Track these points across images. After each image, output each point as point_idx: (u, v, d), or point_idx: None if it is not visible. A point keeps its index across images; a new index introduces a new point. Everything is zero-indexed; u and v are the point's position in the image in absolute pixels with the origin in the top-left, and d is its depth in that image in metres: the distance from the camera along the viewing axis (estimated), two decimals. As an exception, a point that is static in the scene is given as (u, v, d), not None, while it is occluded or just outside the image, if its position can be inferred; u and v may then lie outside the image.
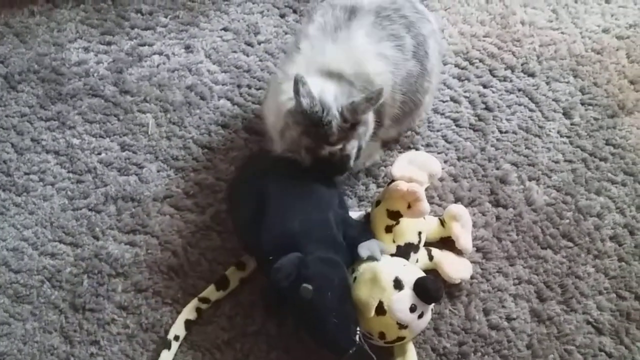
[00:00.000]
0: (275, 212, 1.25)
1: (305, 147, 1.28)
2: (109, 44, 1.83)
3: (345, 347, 1.16)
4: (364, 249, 1.25)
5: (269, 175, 1.32)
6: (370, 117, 1.34)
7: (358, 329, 1.19)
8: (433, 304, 1.26)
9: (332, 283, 1.17)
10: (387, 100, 1.38)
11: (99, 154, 1.63)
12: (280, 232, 1.23)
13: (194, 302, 1.36)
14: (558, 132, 1.64)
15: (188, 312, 1.35)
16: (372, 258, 1.24)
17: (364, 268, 1.26)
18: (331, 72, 1.31)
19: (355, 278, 1.25)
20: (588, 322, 1.37)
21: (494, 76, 1.74)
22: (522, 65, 1.76)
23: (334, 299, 1.16)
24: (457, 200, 1.53)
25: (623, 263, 1.44)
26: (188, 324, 1.35)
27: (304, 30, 1.42)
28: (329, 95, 1.26)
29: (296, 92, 1.20)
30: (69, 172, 1.60)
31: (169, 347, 1.31)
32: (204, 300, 1.37)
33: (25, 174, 1.60)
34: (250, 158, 1.55)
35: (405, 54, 1.39)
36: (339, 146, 1.28)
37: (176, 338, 1.33)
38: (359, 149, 1.33)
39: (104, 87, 1.74)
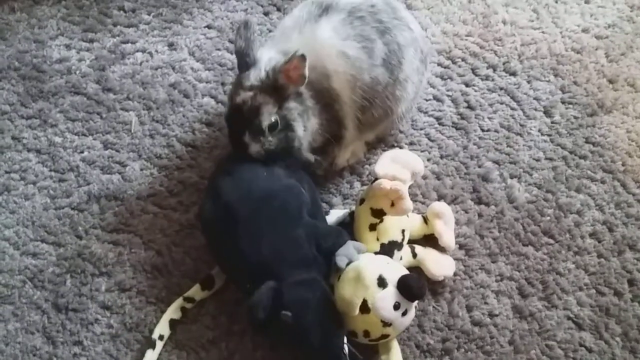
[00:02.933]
0: (244, 239, 1.24)
1: (229, 93, 1.35)
2: (91, 41, 1.81)
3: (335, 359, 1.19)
4: (341, 258, 1.25)
5: (233, 193, 1.28)
6: (309, 102, 1.35)
7: (345, 339, 1.21)
8: (417, 302, 1.27)
9: (310, 304, 1.19)
10: (345, 100, 1.39)
11: (82, 152, 1.61)
12: (253, 261, 1.23)
13: (179, 302, 1.36)
14: (539, 130, 1.66)
15: (173, 311, 1.35)
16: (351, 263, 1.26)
17: (348, 267, 1.26)
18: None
19: (339, 277, 1.26)
20: (569, 318, 1.40)
21: (476, 75, 1.76)
22: (503, 64, 1.78)
23: (314, 318, 1.18)
24: (440, 198, 1.54)
25: (602, 259, 1.47)
26: (173, 323, 1.35)
27: (281, 22, 1.47)
28: (267, 55, 1.33)
29: (236, 32, 1.31)
30: (50, 170, 1.58)
31: (153, 346, 1.31)
32: (188, 299, 1.36)
33: (6, 172, 1.58)
34: (214, 173, 1.44)
35: (373, 59, 1.38)
36: (250, 94, 1.29)
37: (161, 337, 1.33)
38: (287, 123, 1.32)
39: (86, 85, 1.72)
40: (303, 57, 1.24)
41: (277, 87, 1.29)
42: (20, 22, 1.85)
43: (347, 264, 1.25)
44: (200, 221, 1.41)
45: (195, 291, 1.37)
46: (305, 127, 1.36)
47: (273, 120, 1.30)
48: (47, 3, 1.88)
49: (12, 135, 1.64)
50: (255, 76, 1.31)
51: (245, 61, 1.32)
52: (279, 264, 1.22)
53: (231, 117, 1.34)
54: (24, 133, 1.64)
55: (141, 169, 1.58)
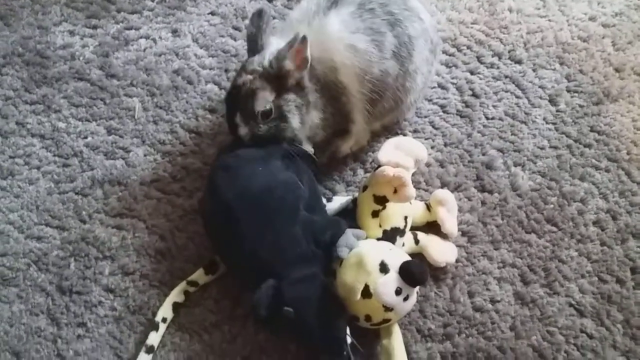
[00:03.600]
0: (242, 239, 1.24)
1: (234, 76, 1.37)
2: (94, 27, 1.81)
3: (338, 351, 1.19)
4: (342, 249, 1.25)
5: (230, 191, 1.27)
6: (311, 96, 1.35)
7: (348, 331, 1.22)
8: (418, 287, 1.28)
9: (311, 300, 1.20)
10: (353, 93, 1.38)
11: (85, 137, 1.62)
12: (252, 260, 1.24)
13: (182, 285, 1.37)
14: (544, 118, 1.66)
15: (176, 294, 1.36)
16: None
17: (350, 253, 1.27)
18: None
19: (341, 262, 1.26)
20: (570, 305, 1.40)
21: (481, 63, 1.75)
22: (509, 52, 1.77)
23: (316, 313, 1.19)
24: (444, 185, 1.54)
25: (605, 247, 1.47)
26: (176, 306, 1.36)
27: (289, 13, 1.47)
28: (275, 46, 1.33)
29: (250, 19, 1.34)
30: (54, 155, 1.59)
31: (156, 329, 1.32)
32: (192, 283, 1.37)
33: (10, 157, 1.59)
34: (212, 168, 1.42)
35: (383, 52, 1.36)
36: (250, 77, 1.30)
37: (164, 320, 1.34)
38: (282, 114, 1.32)
39: (89, 71, 1.72)
40: (304, 39, 1.25)
41: (279, 76, 1.30)
42: (24, 8, 1.85)
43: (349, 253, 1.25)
44: (201, 214, 1.42)
45: (199, 275, 1.37)
46: (302, 121, 1.35)
47: (267, 107, 1.30)
48: (51, -11, 1.89)
49: (17, 121, 1.64)
50: (258, 61, 1.32)
51: (254, 47, 1.35)
52: (278, 262, 1.22)
53: (229, 97, 1.35)
54: (28, 118, 1.65)
55: (145, 155, 1.59)
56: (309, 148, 1.43)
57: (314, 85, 1.35)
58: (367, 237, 1.33)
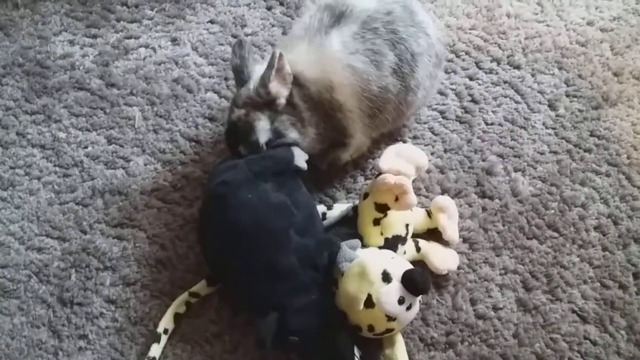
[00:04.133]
0: (239, 277, 1.25)
1: (228, 112, 1.39)
2: (94, 36, 1.81)
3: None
4: (344, 265, 1.25)
5: (220, 227, 1.27)
6: (304, 114, 1.35)
7: (357, 351, 1.23)
8: (420, 296, 1.27)
9: (315, 328, 1.21)
10: (349, 109, 1.38)
11: (86, 147, 1.62)
12: (251, 295, 1.25)
13: (184, 296, 1.36)
14: (543, 123, 1.66)
15: (177, 305, 1.36)
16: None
17: (352, 263, 1.26)
18: (296, 78, 1.34)
19: (343, 272, 1.26)
20: (573, 311, 1.40)
21: (480, 68, 1.75)
22: (507, 57, 1.77)
23: (321, 338, 1.21)
24: (444, 191, 1.54)
25: (607, 252, 1.47)
26: (177, 317, 1.35)
27: (292, 28, 1.49)
28: (257, 73, 1.34)
29: (232, 50, 1.36)
30: (55, 166, 1.59)
31: (158, 340, 1.32)
32: (194, 294, 1.37)
33: (11, 168, 1.59)
34: (204, 196, 1.44)
35: (382, 70, 1.36)
36: (243, 111, 1.32)
37: (165, 331, 1.33)
38: (279, 133, 1.33)
39: (89, 80, 1.72)
40: (281, 56, 1.27)
41: (268, 101, 1.32)
42: (24, 18, 1.85)
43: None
44: (198, 240, 1.43)
45: (201, 287, 1.37)
46: (300, 132, 1.36)
47: (268, 137, 1.33)
48: (50, -1, 1.89)
49: (17, 131, 1.64)
50: (245, 93, 1.34)
51: (240, 78, 1.37)
52: (278, 295, 1.23)
53: (228, 134, 1.38)
54: (28, 129, 1.65)
55: (145, 164, 1.59)
56: (302, 164, 1.38)
57: (305, 103, 1.36)
58: (368, 246, 1.33)
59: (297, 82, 1.34)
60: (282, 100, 1.33)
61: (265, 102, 1.32)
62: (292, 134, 1.35)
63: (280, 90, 1.32)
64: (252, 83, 1.34)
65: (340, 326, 1.23)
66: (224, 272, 1.31)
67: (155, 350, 1.31)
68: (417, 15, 1.41)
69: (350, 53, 1.34)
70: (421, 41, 1.40)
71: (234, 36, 1.81)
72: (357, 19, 1.35)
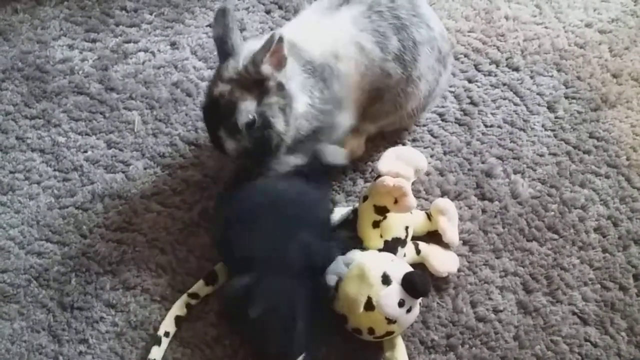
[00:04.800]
0: (238, 237, 1.28)
1: (209, 83, 1.31)
2: (93, 41, 1.82)
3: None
4: (331, 277, 1.25)
5: (250, 200, 1.32)
6: (297, 95, 1.30)
7: (304, 355, 1.22)
8: (421, 298, 1.27)
9: (278, 311, 1.21)
10: (350, 83, 1.37)
11: (85, 151, 1.62)
12: (241, 254, 1.27)
13: (184, 298, 1.36)
14: (542, 125, 1.66)
15: (177, 308, 1.35)
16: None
17: (351, 265, 1.26)
18: (294, 46, 1.31)
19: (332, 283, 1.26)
20: (573, 313, 1.39)
21: (478, 71, 1.75)
22: (506, 59, 1.78)
23: (277, 326, 1.21)
24: (444, 194, 1.54)
25: (607, 254, 1.46)
26: (178, 320, 1.35)
27: (302, 11, 1.49)
28: (250, 48, 1.27)
29: (214, 20, 1.28)
30: (54, 170, 1.59)
31: (159, 343, 1.31)
32: (193, 295, 1.37)
33: (11, 172, 1.58)
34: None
35: (385, 54, 1.37)
36: (228, 87, 1.24)
37: (166, 334, 1.33)
38: (266, 120, 1.26)
39: (89, 85, 1.73)
40: (281, 39, 1.20)
41: (257, 81, 1.24)
42: (23, 23, 1.86)
43: (337, 282, 1.25)
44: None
45: (199, 287, 1.37)
46: (287, 121, 1.29)
47: (250, 118, 1.24)
48: (49, 4, 1.89)
49: (16, 136, 1.65)
50: (233, 67, 1.25)
51: (224, 49, 1.28)
52: (264, 262, 1.24)
53: (207, 109, 1.30)
54: (27, 133, 1.65)
55: (144, 168, 1.59)
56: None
57: (302, 66, 1.32)
58: (368, 248, 1.33)
59: (299, 52, 1.32)
60: (272, 83, 1.25)
61: (253, 81, 1.24)
62: (279, 123, 1.27)
63: (272, 73, 1.24)
64: (242, 58, 1.25)
65: (298, 340, 1.22)
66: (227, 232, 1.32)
67: (156, 352, 1.31)
68: (420, 7, 1.43)
69: (360, 30, 1.36)
70: (422, 31, 1.41)
71: (233, 40, 1.81)
72: (364, 2, 1.38)
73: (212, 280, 1.38)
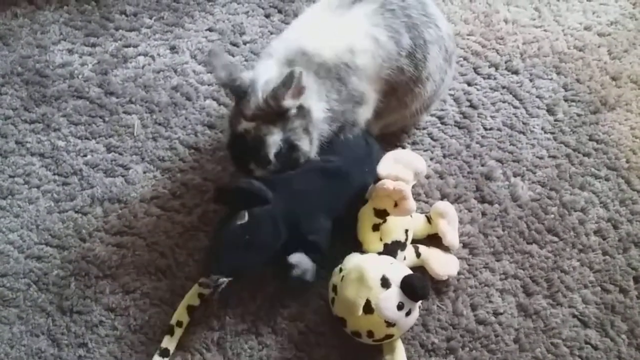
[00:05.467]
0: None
1: (229, 119, 1.33)
2: (93, 45, 1.82)
3: (209, 273, 1.27)
4: (297, 270, 1.28)
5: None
6: (314, 105, 1.31)
7: (227, 280, 1.27)
8: (420, 301, 1.27)
9: (259, 233, 1.26)
10: (369, 74, 1.37)
11: (85, 155, 1.62)
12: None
13: (195, 288, 1.37)
14: (542, 128, 1.66)
15: (190, 297, 1.36)
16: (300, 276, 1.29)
17: (351, 268, 1.26)
18: (304, 54, 1.32)
19: (342, 277, 1.26)
20: (574, 316, 1.39)
21: (478, 74, 1.76)
22: (505, 62, 1.78)
23: (246, 243, 1.25)
24: (443, 197, 1.54)
25: (607, 256, 1.46)
26: (191, 309, 1.35)
27: (311, 6, 1.47)
28: (263, 77, 1.29)
29: (210, 66, 1.30)
30: (54, 174, 1.59)
31: (171, 333, 1.32)
32: (205, 284, 1.35)
33: (10, 176, 1.58)
34: None
35: (400, 49, 1.38)
36: (253, 124, 1.27)
37: (179, 324, 1.33)
38: (291, 144, 1.29)
39: (88, 89, 1.73)
40: (301, 74, 1.22)
41: (278, 112, 1.26)
42: (23, 27, 1.86)
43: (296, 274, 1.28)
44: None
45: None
46: (312, 140, 1.33)
47: (278, 149, 1.28)
48: (49, 8, 1.90)
49: (16, 140, 1.65)
50: (254, 103, 1.27)
51: (236, 89, 1.30)
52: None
53: (234, 145, 1.32)
54: (27, 137, 1.65)
55: (144, 172, 1.59)
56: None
57: (316, 73, 1.32)
58: (368, 252, 1.33)
59: (310, 59, 1.32)
60: (293, 110, 1.28)
61: (276, 113, 1.26)
62: (305, 144, 1.31)
63: (293, 102, 1.26)
64: (261, 93, 1.26)
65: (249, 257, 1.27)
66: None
67: (167, 342, 1.31)
68: (429, 7, 1.45)
69: (374, 25, 1.36)
70: (431, 31, 1.42)
71: (233, 44, 1.81)
72: (377, 0, 1.39)
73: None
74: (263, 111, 1.26)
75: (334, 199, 1.35)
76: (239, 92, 1.30)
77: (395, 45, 1.38)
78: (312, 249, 1.31)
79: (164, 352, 1.31)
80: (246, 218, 1.25)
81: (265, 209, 1.27)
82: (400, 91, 1.44)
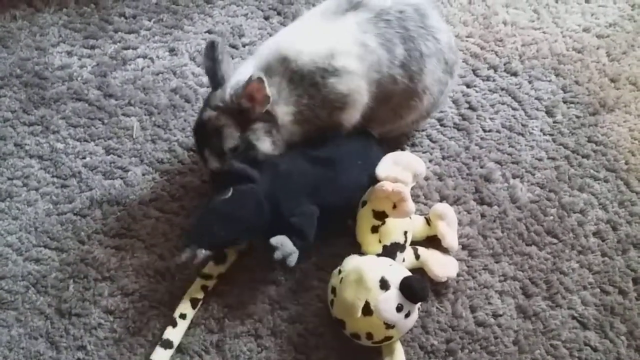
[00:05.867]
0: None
1: (200, 109, 1.38)
2: (92, 47, 1.82)
3: (188, 243, 1.27)
4: (277, 254, 1.26)
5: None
6: (282, 110, 1.33)
7: (205, 251, 1.26)
8: (419, 303, 1.27)
9: (241, 207, 1.28)
10: (355, 72, 1.35)
11: (84, 158, 1.62)
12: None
13: (198, 281, 1.37)
14: (541, 130, 1.66)
15: (193, 290, 1.36)
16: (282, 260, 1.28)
17: (349, 269, 1.26)
18: (285, 59, 1.33)
19: (341, 279, 1.26)
20: (573, 317, 1.39)
21: (477, 76, 1.76)
22: (504, 64, 1.78)
23: (226, 216, 1.27)
24: (443, 199, 1.54)
25: (606, 258, 1.46)
26: (195, 302, 1.36)
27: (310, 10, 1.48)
28: (237, 77, 1.33)
29: (204, 53, 1.35)
30: (53, 176, 1.59)
31: (174, 324, 1.32)
32: (206, 276, 1.37)
33: (9, 179, 1.58)
34: None
35: (392, 57, 1.37)
36: (215, 114, 1.31)
37: (182, 316, 1.34)
38: (250, 144, 1.32)
39: (87, 91, 1.73)
40: (260, 80, 1.24)
41: (241, 110, 1.30)
42: (22, 29, 1.86)
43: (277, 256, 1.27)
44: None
45: (210, 267, 1.38)
46: (274, 141, 1.35)
47: (234, 144, 1.31)
48: (48, 11, 1.90)
49: (15, 142, 1.64)
50: (220, 96, 1.33)
51: (214, 80, 1.35)
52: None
53: (196, 131, 1.37)
54: (26, 140, 1.65)
55: (143, 174, 1.59)
56: None
57: (289, 80, 1.33)
58: (366, 253, 1.33)
59: (288, 65, 1.32)
60: (257, 112, 1.30)
61: (238, 111, 1.30)
62: (264, 145, 1.33)
63: (255, 108, 1.30)
64: (229, 88, 1.32)
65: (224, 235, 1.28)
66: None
67: (170, 333, 1.31)
68: (429, 19, 1.42)
69: (363, 32, 1.35)
70: (429, 44, 1.40)
71: (232, 46, 1.81)
72: (372, 10, 1.38)
73: (221, 260, 1.39)
74: (226, 105, 1.31)
75: (320, 184, 1.35)
76: (214, 83, 1.36)
77: (386, 53, 1.36)
78: (296, 232, 1.29)
79: (167, 343, 1.31)
80: (230, 194, 1.28)
81: (250, 186, 1.31)
82: (395, 101, 1.43)
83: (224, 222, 1.28)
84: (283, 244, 1.27)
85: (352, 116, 1.41)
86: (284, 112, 1.34)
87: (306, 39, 1.36)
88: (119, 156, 1.61)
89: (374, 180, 1.35)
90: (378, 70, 1.37)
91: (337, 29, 1.36)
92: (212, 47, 1.35)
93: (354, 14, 1.38)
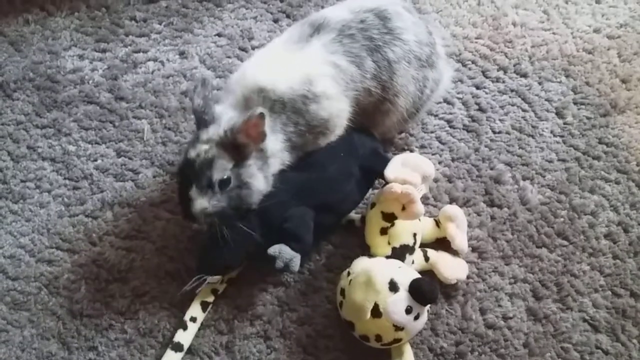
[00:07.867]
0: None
1: (184, 150, 1.34)
2: (103, 51, 1.84)
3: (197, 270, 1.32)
4: (278, 263, 1.26)
5: None
6: (270, 140, 1.31)
7: (217, 277, 1.32)
8: (429, 305, 1.27)
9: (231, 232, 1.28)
10: (332, 95, 1.36)
11: (95, 160, 1.63)
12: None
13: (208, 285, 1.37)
14: (551, 131, 1.65)
15: (203, 293, 1.37)
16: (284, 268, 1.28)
17: (359, 271, 1.26)
18: (261, 90, 1.32)
19: (350, 281, 1.26)
20: (584, 320, 1.38)
21: (486, 77, 1.75)
22: (514, 66, 1.77)
23: (221, 242, 1.29)
24: (452, 200, 1.53)
25: (618, 260, 1.45)
26: (205, 305, 1.37)
27: (273, 40, 1.48)
28: (227, 115, 1.32)
29: (194, 91, 1.31)
30: (65, 178, 1.60)
31: (184, 327, 1.33)
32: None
33: (22, 181, 1.60)
34: None
35: (363, 72, 1.38)
36: (207, 147, 1.27)
37: (193, 319, 1.34)
38: (243, 182, 1.29)
39: (99, 94, 1.74)
40: (262, 115, 1.23)
41: (235, 145, 1.27)
42: (35, 33, 1.88)
43: (278, 265, 1.26)
44: None
45: None
46: (267, 176, 1.33)
47: (225, 176, 1.26)
48: (60, 15, 1.92)
49: (28, 145, 1.66)
50: (214, 131, 1.29)
51: (204, 119, 1.31)
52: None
53: (181, 171, 1.31)
54: (38, 142, 1.67)
55: (154, 176, 1.60)
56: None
57: (271, 109, 1.32)
58: (375, 255, 1.33)
59: (267, 95, 1.32)
60: (250, 149, 1.29)
61: (232, 145, 1.27)
62: (257, 182, 1.31)
63: (250, 144, 1.28)
64: (223, 123, 1.29)
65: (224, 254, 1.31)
66: None
67: (181, 336, 1.32)
68: (391, 21, 1.41)
69: (331, 53, 1.36)
70: (396, 49, 1.40)
71: (242, 49, 1.82)
72: (334, 28, 1.38)
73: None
74: (220, 139, 1.27)
75: (305, 187, 1.36)
76: (203, 122, 1.31)
77: (357, 69, 1.37)
78: (291, 237, 1.29)
79: (177, 347, 1.32)
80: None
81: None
82: (369, 111, 1.44)
83: (220, 249, 1.29)
84: (281, 251, 1.27)
85: (334, 137, 1.44)
86: (272, 141, 1.33)
87: (279, 68, 1.35)
88: (130, 158, 1.63)
89: (366, 167, 1.39)
90: (354, 87, 1.38)
91: (306, 55, 1.36)
92: (203, 84, 1.32)
93: (318, 38, 1.38)
